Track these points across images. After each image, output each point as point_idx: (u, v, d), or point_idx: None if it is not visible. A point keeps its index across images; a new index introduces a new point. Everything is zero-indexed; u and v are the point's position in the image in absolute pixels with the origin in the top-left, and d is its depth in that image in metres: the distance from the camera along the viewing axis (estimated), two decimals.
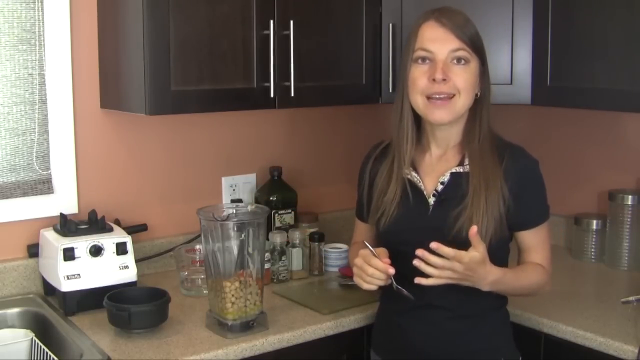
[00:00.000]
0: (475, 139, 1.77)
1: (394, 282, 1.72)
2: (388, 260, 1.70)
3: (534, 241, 1.81)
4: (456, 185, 1.76)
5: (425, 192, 1.79)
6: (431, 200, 1.78)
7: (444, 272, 1.62)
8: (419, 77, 1.74)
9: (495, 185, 1.72)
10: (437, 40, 1.72)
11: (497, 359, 1.81)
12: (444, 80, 1.71)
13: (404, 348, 1.83)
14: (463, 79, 1.72)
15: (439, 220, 1.74)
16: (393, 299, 1.80)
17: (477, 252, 1.60)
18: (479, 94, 1.78)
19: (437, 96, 1.72)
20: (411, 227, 1.78)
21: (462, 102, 1.74)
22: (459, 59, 1.72)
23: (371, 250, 1.71)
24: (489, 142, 1.77)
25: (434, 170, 1.81)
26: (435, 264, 1.61)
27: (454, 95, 1.72)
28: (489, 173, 1.73)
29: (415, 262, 1.61)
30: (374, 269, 1.69)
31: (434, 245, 1.59)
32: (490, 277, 1.66)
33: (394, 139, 1.84)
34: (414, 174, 1.81)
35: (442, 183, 1.78)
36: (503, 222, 1.74)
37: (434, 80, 1.71)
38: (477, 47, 1.74)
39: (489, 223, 1.70)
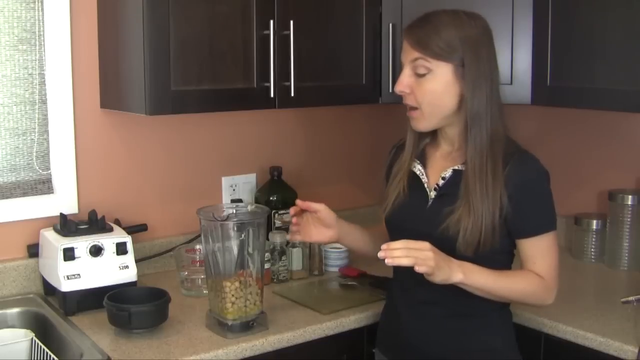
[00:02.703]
0: (470, 141, 1.73)
1: None
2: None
3: (532, 251, 1.75)
4: (455, 183, 1.76)
5: (426, 185, 1.81)
6: (432, 193, 1.79)
7: (408, 252, 1.61)
8: None
9: (489, 193, 1.68)
10: (402, 51, 1.76)
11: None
12: (406, 92, 1.74)
13: (406, 347, 1.83)
14: (423, 91, 1.72)
15: (434, 213, 1.75)
16: (398, 294, 1.82)
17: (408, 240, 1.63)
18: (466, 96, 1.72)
19: (408, 106, 1.76)
20: (411, 217, 1.80)
21: (428, 113, 1.74)
22: (419, 72, 1.72)
23: None
24: (483, 147, 1.71)
25: (440, 166, 1.82)
26: (395, 247, 1.62)
27: (417, 107, 1.74)
28: (482, 181, 1.69)
29: (381, 254, 1.62)
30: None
31: (381, 254, 1.61)
32: (455, 262, 1.65)
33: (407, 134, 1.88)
34: (419, 167, 1.83)
35: (443, 178, 1.78)
36: (496, 230, 1.70)
37: None
38: (441, 54, 1.69)
39: (475, 234, 1.67)
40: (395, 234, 1.82)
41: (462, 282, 1.67)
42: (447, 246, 1.68)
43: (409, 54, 1.73)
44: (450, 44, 1.69)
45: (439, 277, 1.64)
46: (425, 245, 1.63)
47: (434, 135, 1.86)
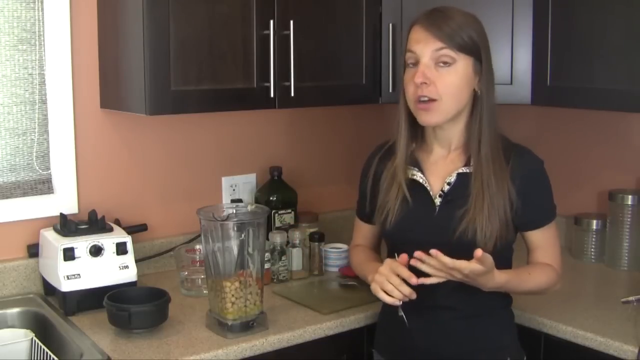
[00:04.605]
0: (477, 138, 1.76)
1: (400, 308, 1.69)
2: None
3: (542, 241, 1.81)
4: (463, 186, 1.75)
5: (431, 193, 1.79)
6: (437, 200, 1.78)
7: (441, 273, 1.62)
8: (408, 82, 1.75)
9: (501, 187, 1.72)
10: (420, 42, 1.72)
11: (504, 358, 1.81)
12: (425, 83, 1.70)
13: (409, 348, 1.82)
14: (445, 82, 1.71)
15: (444, 220, 1.74)
16: (405, 308, 1.82)
17: (480, 265, 1.59)
18: (479, 91, 1.76)
19: (422, 99, 1.72)
20: (417, 227, 1.77)
21: (447, 105, 1.72)
22: (443, 61, 1.71)
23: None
24: (493, 143, 1.75)
25: (440, 171, 1.80)
26: (432, 267, 1.61)
27: (436, 99, 1.72)
28: (494, 175, 1.72)
29: (412, 261, 1.62)
30: (399, 280, 1.65)
31: (433, 252, 1.59)
32: (491, 284, 1.67)
33: (395, 137, 1.84)
34: (419, 174, 1.80)
35: (448, 183, 1.77)
36: (509, 224, 1.73)
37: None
38: (465, 47, 1.71)
39: (494, 225, 1.69)
40: (400, 247, 1.75)
41: (500, 287, 1.71)
42: (465, 252, 1.64)
43: (431, 45, 1.71)
44: (472, 39, 1.72)
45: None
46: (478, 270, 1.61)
47: (422, 139, 1.84)
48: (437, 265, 1.61)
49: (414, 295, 1.66)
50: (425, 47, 1.71)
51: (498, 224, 1.70)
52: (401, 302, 1.67)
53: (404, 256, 1.67)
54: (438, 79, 1.71)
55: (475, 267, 1.59)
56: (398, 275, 1.66)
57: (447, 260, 1.59)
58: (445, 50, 1.70)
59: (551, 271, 1.80)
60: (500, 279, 1.66)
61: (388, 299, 1.67)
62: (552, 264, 1.81)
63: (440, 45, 1.70)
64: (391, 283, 1.67)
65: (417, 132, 1.83)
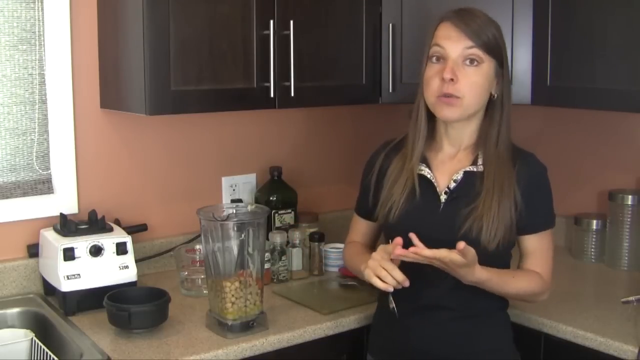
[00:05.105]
0: (491, 140, 1.77)
1: (391, 300, 1.70)
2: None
3: (535, 247, 1.80)
4: (469, 184, 1.76)
5: (438, 189, 1.79)
6: (443, 197, 1.78)
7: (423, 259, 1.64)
8: (432, 77, 1.76)
9: (509, 190, 1.73)
10: (450, 39, 1.74)
11: (500, 359, 1.81)
12: (452, 80, 1.72)
13: (407, 349, 1.82)
14: (470, 81, 1.72)
15: (449, 218, 1.74)
16: (399, 298, 1.81)
17: (460, 257, 1.60)
18: (495, 95, 1.78)
19: (446, 95, 1.73)
20: (421, 222, 1.77)
21: (469, 103, 1.74)
22: (471, 60, 1.73)
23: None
24: (507, 144, 1.78)
25: (447, 168, 1.81)
26: (412, 257, 1.63)
27: (459, 97, 1.73)
28: (504, 177, 1.74)
29: (393, 255, 1.63)
30: (393, 265, 1.66)
31: (412, 249, 1.60)
32: (470, 278, 1.67)
33: (409, 134, 1.85)
34: (427, 170, 1.81)
35: (455, 181, 1.78)
36: (513, 226, 1.74)
37: (443, 79, 1.73)
38: (491, 49, 1.74)
39: (499, 226, 1.70)
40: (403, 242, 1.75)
41: (480, 283, 1.70)
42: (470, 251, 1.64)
43: (462, 42, 1.72)
44: (496, 39, 1.76)
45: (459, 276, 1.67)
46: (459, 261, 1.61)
47: (431, 137, 1.85)
48: (416, 257, 1.62)
49: (406, 283, 1.65)
50: (455, 43, 1.73)
51: (503, 224, 1.71)
52: (393, 289, 1.66)
53: (398, 239, 1.66)
54: (464, 77, 1.72)
55: (455, 257, 1.60)
56: (392, 261, 1.67)
57: (428, 252, 1.60)
58: (475, 49, 1.72)
59: (538, 279, 1.79)
60: (480, 275, 1.67)
61: (381, 285, 1.67)
62: (541, 273, 1.80)
63: (470, 44, 1.72)
64: (384, 268, 1.66)
65: (429, 129, 1.84)
